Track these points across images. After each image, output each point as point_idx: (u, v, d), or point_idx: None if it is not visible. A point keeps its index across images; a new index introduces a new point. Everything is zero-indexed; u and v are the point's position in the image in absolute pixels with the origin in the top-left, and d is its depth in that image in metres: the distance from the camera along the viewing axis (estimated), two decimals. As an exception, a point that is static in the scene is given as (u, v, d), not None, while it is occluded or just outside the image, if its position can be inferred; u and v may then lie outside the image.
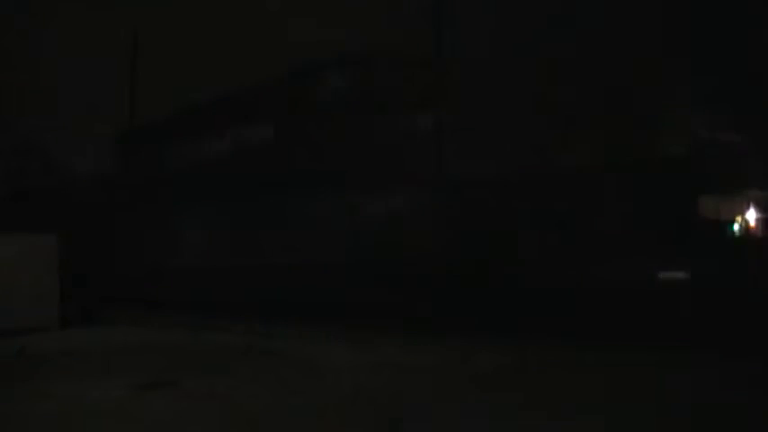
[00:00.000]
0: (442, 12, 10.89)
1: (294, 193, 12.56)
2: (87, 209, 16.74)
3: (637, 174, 8.89)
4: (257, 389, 5.84)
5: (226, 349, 8.19)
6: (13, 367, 7.30)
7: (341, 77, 12.20)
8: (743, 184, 8.29)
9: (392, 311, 9.70)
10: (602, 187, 9.27)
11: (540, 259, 9.44)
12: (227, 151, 14.45)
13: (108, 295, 14.16)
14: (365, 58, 11.75)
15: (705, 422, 4.50)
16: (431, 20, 10.92)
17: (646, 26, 8.59)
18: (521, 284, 9.24)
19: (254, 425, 4.76)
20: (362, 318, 9.74)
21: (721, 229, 8.32)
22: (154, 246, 15.71)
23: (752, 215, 8.15)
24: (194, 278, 14.04)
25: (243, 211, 13.87)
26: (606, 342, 7.25)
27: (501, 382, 5.91)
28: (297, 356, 7.45)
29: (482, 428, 4.52)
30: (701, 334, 6.95)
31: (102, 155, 16.97)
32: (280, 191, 12.84)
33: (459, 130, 10.62)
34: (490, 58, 9.99)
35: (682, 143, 8.66)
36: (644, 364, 6.33)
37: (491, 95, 10.07)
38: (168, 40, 14.15)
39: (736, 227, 8.20)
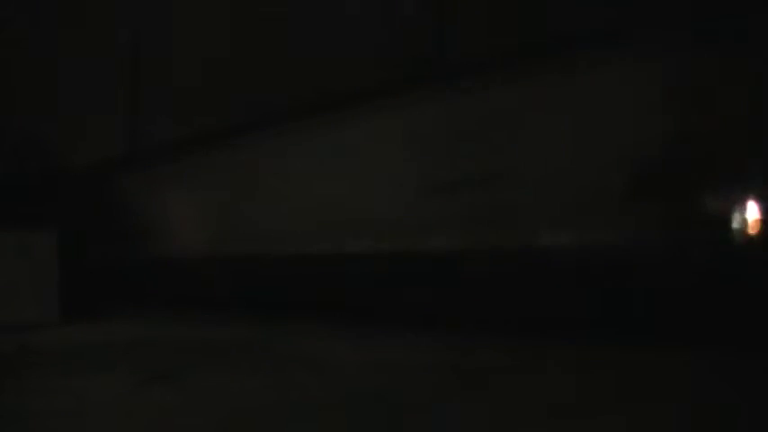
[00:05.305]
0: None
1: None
2: (86, 203, 16.70)
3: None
4: (260, 385, 5.87)
5: (228, 344, 8.21)
6: (15, 363, 7.32)
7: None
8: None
9: None
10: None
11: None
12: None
13: (109, 289, 14.15)
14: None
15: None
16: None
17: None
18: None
19: (256, 421, 4.78)
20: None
21: None
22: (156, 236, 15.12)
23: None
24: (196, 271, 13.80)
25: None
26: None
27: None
28: (300, 353, 7.48)
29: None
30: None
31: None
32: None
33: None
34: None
35: None
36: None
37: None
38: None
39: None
